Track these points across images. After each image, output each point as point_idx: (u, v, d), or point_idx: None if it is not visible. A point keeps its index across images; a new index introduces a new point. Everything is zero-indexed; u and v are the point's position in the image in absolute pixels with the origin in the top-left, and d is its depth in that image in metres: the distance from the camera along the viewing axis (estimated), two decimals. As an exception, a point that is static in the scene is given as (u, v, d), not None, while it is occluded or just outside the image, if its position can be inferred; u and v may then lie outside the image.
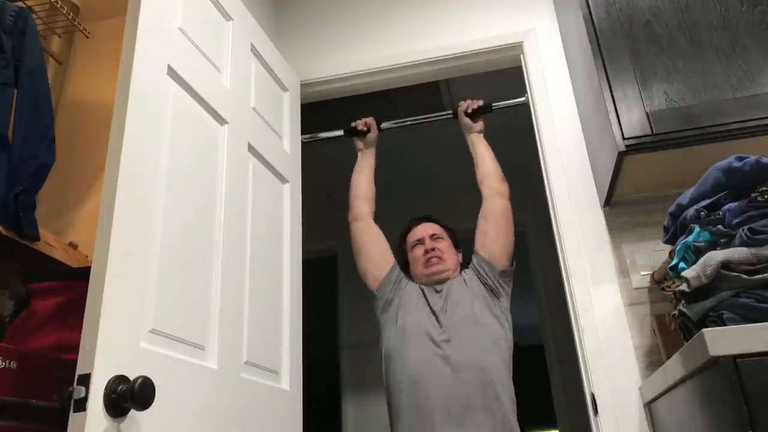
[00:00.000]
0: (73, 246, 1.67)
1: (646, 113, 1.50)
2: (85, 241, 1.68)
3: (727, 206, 1.17)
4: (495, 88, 2.37)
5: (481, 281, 1.84)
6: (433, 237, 1.96)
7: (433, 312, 1.78)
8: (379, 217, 2.05)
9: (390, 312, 1.85)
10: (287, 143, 1.96)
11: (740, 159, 1.18)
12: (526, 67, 2.15)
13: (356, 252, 1.97)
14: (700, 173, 1.27)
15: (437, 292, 1.85)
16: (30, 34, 1.61)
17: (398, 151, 3.16)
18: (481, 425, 1.61)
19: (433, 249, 1.91)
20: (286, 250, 1.80)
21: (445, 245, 1.95)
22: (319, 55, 2.34)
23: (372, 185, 2.07)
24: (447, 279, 1.88)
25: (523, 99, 2.15)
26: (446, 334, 1.73)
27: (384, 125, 2.20)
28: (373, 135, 2.16)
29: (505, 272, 1.86)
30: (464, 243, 2.03)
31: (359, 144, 2.17)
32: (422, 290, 1.86)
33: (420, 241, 1.96)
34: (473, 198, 1.98)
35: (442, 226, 2.03)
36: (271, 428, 1.50)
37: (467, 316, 1.76)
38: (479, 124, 2.09)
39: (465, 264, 1.96)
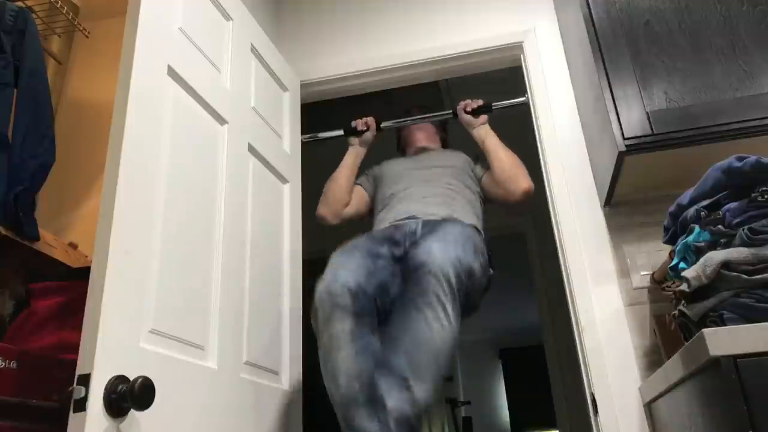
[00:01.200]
0: (73, 246, 1.67)
1: (647, 113, 1.50)
2: (85, 241, 1.68)
3: (727, 206, 1.17)
4: (495, 88, 2.37)
5: (467, 172, 2.02)
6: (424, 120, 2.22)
7: (418, 161, 2.05)
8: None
9: (377, 186, 2.08)
10: (287, 143, 1.96)
11: (740, 159, 1.18)
12: (526, 67, 2.15)
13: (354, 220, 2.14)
14: (700, 173, 1.27)
15: (421, 153, 2.12)
16: (30, 34, 1.61)
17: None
18: (454, 205, 1.84)
19: (421, 129, 2.21)
20: (286, 250, 1.80)
21: (434, 129, 2.26)
22: (319, 55, 2.34)
23: (351, 187, 2.13)
24: (428, 149, 2.15)
25: (523, 99, 2.15)
26: (426, 170, 1.98)
27: (384, 125, 2.20)
28: (370, 135, 2.17)
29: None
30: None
31: (354, 140, 2.17)
32: (406, 157, 2.13)
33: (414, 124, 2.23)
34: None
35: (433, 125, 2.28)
36: (271, 428, 1.50)
37: (451, 167, 2.00)
38: (482, 118, 2.08)
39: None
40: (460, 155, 2.10)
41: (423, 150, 2.17)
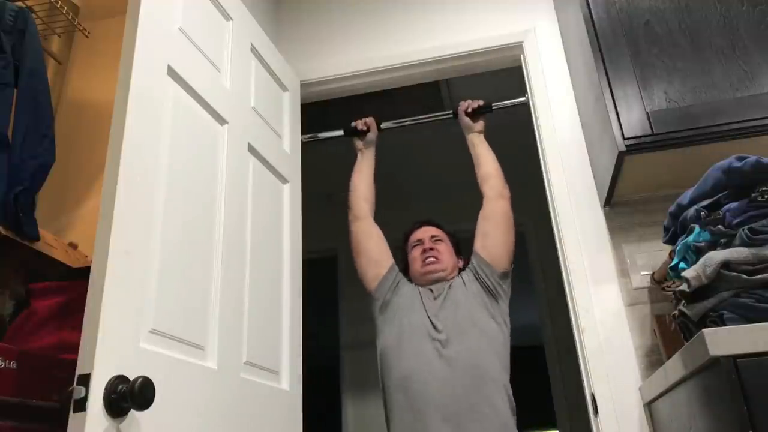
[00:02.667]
0: (73, 246, 1.67)
1: (647, 113, 1.50)
2: (85, 241, 1.68)
3: (727, 206, 1.17)
4: (495, 88, 2.37)
5: (479, 283, 1.81)
6: (432, 239, 1.96)
7: (429, 315, 1.77)
8: (379, 217, 2.05)
9: (388, 313, 1.84)
10: (287, 143, 1.96)
11: (740, 159, 1.18)
12: (526, 67, 2.15)
13: (356, 252, 1.97)
14: (700, 173, 1.27)
15: (433, 293, 1.83)
16: (30, 34, 1.61)
17: (398, 151, 3.17)
18: (475, 427, 1.59)
19: (431, 249, 1.92)
20: (286, 250, 1.80)
21: (444, 248, 1.95)
22: (319, 55, 2.34)
23: (372, 186, 2.07)
24: (443, 279, 1.87)
25: (523, 99, 2.15)
26: (443, 334, 1.72)
27: (384, 125, 2.20)
28: (373, 135, 2.17)
29: (505, 274, 1.85)
30: (464, 242, 2.03)
31: (359, 144, 2.17)
32: (419, 292, 1.85)
33: (420, 242, 1.97)
34: (473, 198, 1.98)
35: (443, 230, 2.03)
36: (271, 428, 1.50)
37: (465, 317, 1.74)
38: (479, 124, 2.08)
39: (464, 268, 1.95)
40: (468, 275, 1.85)
41: (436, 282, 1.88)
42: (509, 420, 1.65)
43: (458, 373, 1.65)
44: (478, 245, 1.88)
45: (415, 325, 1.76)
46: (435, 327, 1.74)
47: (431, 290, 1.85)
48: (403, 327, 1.77)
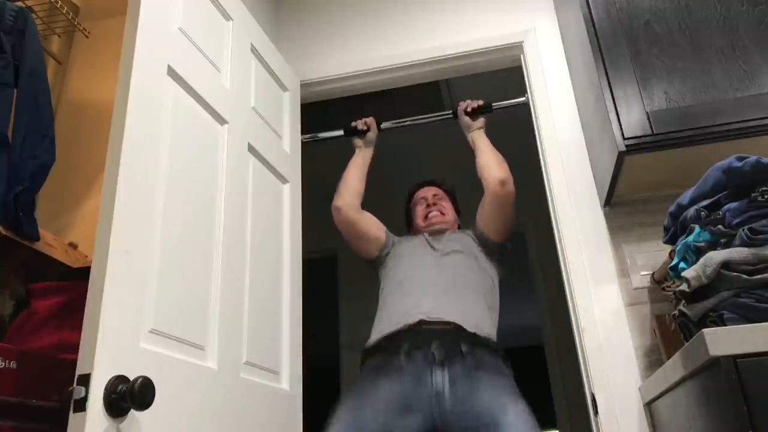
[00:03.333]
0: (73, 246, 1.67)
1: (647, 113, 1.50)
2: (85, 241, 1.68)
3: (727, 206, 1.17)
4: (495, 88, 2.37)
5: (476, 241, 1.92)
6: (435, 197, 2.07)
7: (432, 246, 1.90)
8: (379, 217, 2.05)
9: (389, 263, 1.93)
10: (287, 143, 1.96)
11: (740, 159, 1.18)
12: (526, 67, 2.15)
13: (354, 237, 2.00)
14: (700, 173, 1.27)
15: (433, 238, 1.95)
16: (30, 34, 1.61)
17: (398, 151, 3.17)
18: (455, 293, 1.72)
19: (434, 204, 2.04)
20: (286, 250, 1.80)
21: (446, 204, 2.08)
22: (319, 55, 2.34)
23: (363, 182, 2.09)
24: (444, 231, 1.97)
25: (523, 99, 2.15)
26: (441, 254, 1.86)
27: (384, 125, 2.20)
28: (372, 134, 2.17)
29: (502, 246, 1.92)
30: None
31: (358, 142, 2.17)
32: (420, 239, 1.96)
33: (424, 199, 2.07)
34: (473, 198, 1.98)
35: (445, 189, 2.15)
36: (270, 428, 1.50)
37: (461, 259, 1.85)
38: (479, 121, 2.08)
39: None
40: (466, 235, 1.95)
41: (436, 232, 1.97)
42: (486, 312, 1.73)
43: (445, 273, 1.78)
44: (478, 218, 1.94)
45: (412, 250, 1.91)
46: (435, 250, 1.88)
47: (431, 236, 1.96)
48: (400, 254, 1.91)
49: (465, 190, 2.11)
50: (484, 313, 1.71)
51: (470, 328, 1.61)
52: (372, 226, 2.00)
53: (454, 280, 1.76)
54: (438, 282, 1.76)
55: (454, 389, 1.48)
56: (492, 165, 1.92)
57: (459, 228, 2.05)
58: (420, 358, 1.54)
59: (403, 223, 2.15)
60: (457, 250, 1.86)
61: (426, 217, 2.02)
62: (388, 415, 1.45)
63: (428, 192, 2.10)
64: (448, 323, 1.61)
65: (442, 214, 2.02)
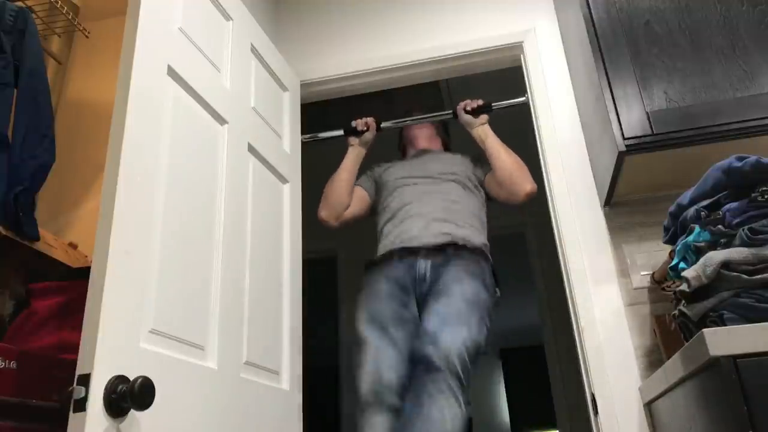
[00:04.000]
0: (73, 246, 1.67)
1: (646, 113, 1.50)
2: (85, 241, 1.68)
3: (727, 206, 1.17)
4: (495, 88, 2.37)
5: (475, 176, 2.05)
6: (423, 132, 2.23)
7: (423, 170, 2.04)
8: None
9: (382, 200, 2.07)
10: (287, 143, 1.96)
11: (740, 159, 1.18)
12: (526, 67, 2.15)
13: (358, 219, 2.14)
14: (700, 173, 1.27)
15: (424, 155, 2.14)
16: (30, 34, 1.61)
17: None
18: (456, 220, 1.88)
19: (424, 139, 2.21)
20: (286, 250, 1.80)
21: (437, 140, 2.25)
22: (319, 55, 2.34)
23: (351, 188, 2.13)
24: (429, 151, 2.16)
25: (523, 99, 2.15)
26: (432, 180, 2.00)
27: (384, 125, 2.20)
28: (370, 135, 2.17)
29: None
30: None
31: (353, 140, 2.17)
32: (407, 161, 2.14)
33: (415, 134, 2.23)
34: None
35: (435, 127, 2.29)
36: (271, 428, 1.50)
37: (452, 177, 2.00)
38: (482, 118, 2.08)
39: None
40: (461, 159, 2.10)
41: (424, 152, 2.17)
42: (477, 229, 1.91)
43: (440, 203, 1.93)
44: (488, 185, 2.04)
45: (398, 177, 2.05)
46: (425, 171, 2.03)
47: (422, 157, 2.13)
48: (396, 190, 2.03)
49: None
50: (474, 230, 1.90)
51: (460, 241, 1.84)
52: (358, 208, 2.11)
53: (448, 207, 1.91)
54: (431, 209, 1.91)
55: (432, 272, 1.81)
56: (518, 177, 1.94)
57: (446, 146, 2.27)
58: (410, 257, 1.85)
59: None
60: (448, 175, 1.99)
61: (414, 137, 2.21)
62: (394, 301, 1.79)
63: (421, 129, 2.25)
64: (439, 244, 1.84)
65: (429, 137, 2.21)
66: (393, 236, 1.91)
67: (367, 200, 2.13)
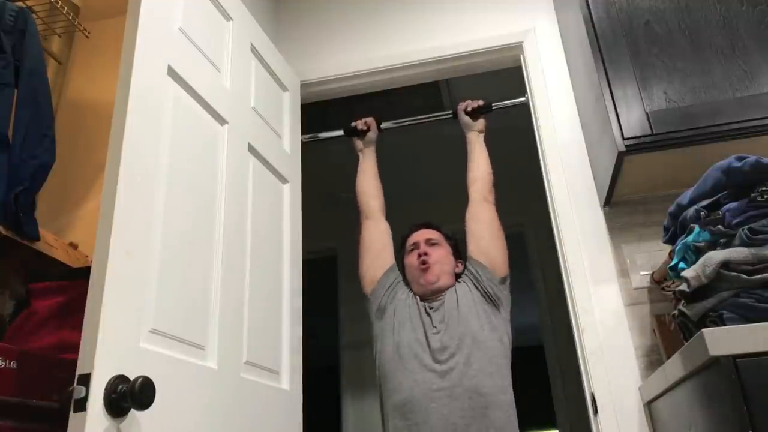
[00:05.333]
0: (73, 246, 1.67)
1: (646, 113, 1.50)
2: (85, 241, 1.68)
3: (727, 206, 1.17)
4: (495, 88, 2.37)
5: (479, 290, 1.76)
6: (429, 242, 1.90)
7: (427, 333, 1.71)
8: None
9: (384, 321, 1.80)
10: (287, 143, 1.96)
11: (740, 159, 1.18)
12: (526, 67, 2.15)
13: (363, 249, 1.93)
14: (700, 173, 1.27)
15: (431, 307, 1.78)
16: (30, 34, 1.61)
17: (398, 151, 3.16)
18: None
19: (426, 254, 1.85)
20: (286, 250, 1.80)
21: (441, 252, 1.89)
22: (319, 55, 2.34)
23: (378, 183, 2.05)
24: (440, 290, 1.80)
25: (523, 99, 2.15)
26: (443, 355, 1.66)
27: (384, 125, 2.20)
28: (372, 134, 2.17)
29: (504, 279, 1.80)
30: (462, 243, 2.02)
31: (359, 144, 2.16)
32: (417, 305, 1.79)
33: (416, 245, 1.90)
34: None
35: (442, 233, 1.97)
36: (271, 428, 1.50)
37: (465, 334, 1.68)
38: (480, 123, 2.08)
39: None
40: (466, 285, 1.80)
41: (432, 293, 1.82)
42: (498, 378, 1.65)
43: (459, 403, 1.59)
44: (473, 249, 1.83)
45: (411, 345, 1.70)
46: (431, 347, 1.68)
47: (429, 304, 1.79)
48: (401, 344, 1.72)
49: (463, 190, 2.10)
50: (495, 382, 1.64)
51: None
52: (380, 240, 1.92)
53: (473, 410, 1.60)
54: (456, 427, 1.58)
55: None
56: (487, 183, 1.93)
57: (459, 276, 1.87)
58: None
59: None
60: (461, 338, 1.68)
61: (419, 271, 1.83)
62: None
63: (421, 237, 1.92)
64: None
65: (431, 270, 1.81)
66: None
67: (388, 260, 1.90)
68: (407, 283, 1.90)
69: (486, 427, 1.58)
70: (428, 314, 1.76)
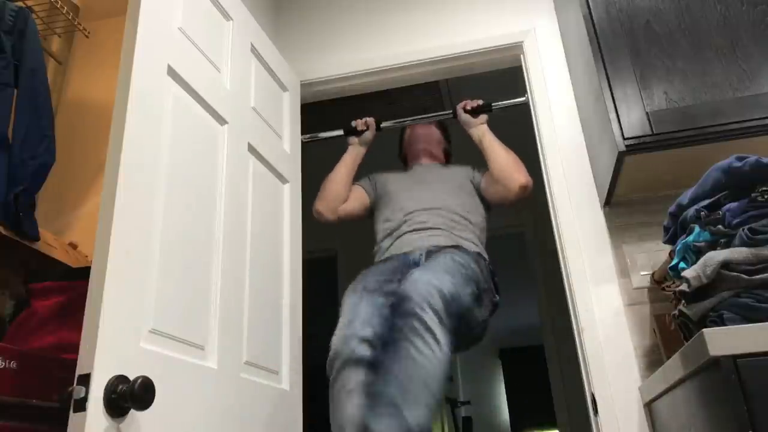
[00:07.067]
0: (73, 246, 1.67)
1: (646, 113, 1.50)
2: (85, 241, 1.68)
3: (727, 206, 1.17)
4: (495, 88, 2.37)
5: (473, 186, 2.05)
6: (428, 137, 2.24)
7: (415, 179, 2.07)
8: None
9: (381, 204, 2.07)
10: (287, 143, 1.96)
11: (740, 159, 1.18)
12: (526, 67, 2.15)
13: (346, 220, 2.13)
14: (700, 173, 1.27)
15: (421, 167, 2.15)
16: (30, 34, 1.61)
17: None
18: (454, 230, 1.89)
19: (427, 146, 2.22)
20: (286, 250, 1.80)
21: (438, 148, 2.25)
22: (319, 55, 2.34)
23: (349, 184, 2.13)
24: (431, 158, 2.18)
25: (523, 99, 2.15)
26: (426, 188, 2.01)
27: (384, 125, 2.20)
28: (370, 134, 2.18)
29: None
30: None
31: (353, 139, 2.18)
32: (408, 171, 2.16)
33: (417, 138, 2.24)
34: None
35: (441, 129, 2.30)
36: (271, 428, 1.50)
37: (452, 186, 2.03)
38: (481, 118, 2.09)
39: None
40: (462, 170, 2.11)
41: (425, 166, 2.17)
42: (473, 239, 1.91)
43: (441, 219, 1.92)
44: (485, 190, 2.05)
45: (398, 186, 2.06)
46: (416, 181, 2.06)
47: (422, 168, 2.16)
48: (387, 191, 2.07)
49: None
50: (470, 242, 1.88)
51: (455, 243, 1.85)
52: (356, 206, 2.10)
53: (448, 223, 1.90)
54: (431, 224, 1.89)
55: (425, 258, 1.80)
56: (511, 169, 1.94)
57: (447, 153, 2.28)
58: (406, 254, 1.86)
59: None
60: (447, 183, 2.01)
61: (416, 149, 2.20)
62: (381, 276, 1.74)
63: (424, 130, 2.25)
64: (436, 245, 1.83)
65: (431, 148, 2.20)
66: (393, 249, 1.91)
67: (366, 201, 2.12)
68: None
69: (455, 242, 1.87)
70: (420, 175, 2.10)
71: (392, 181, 2.10)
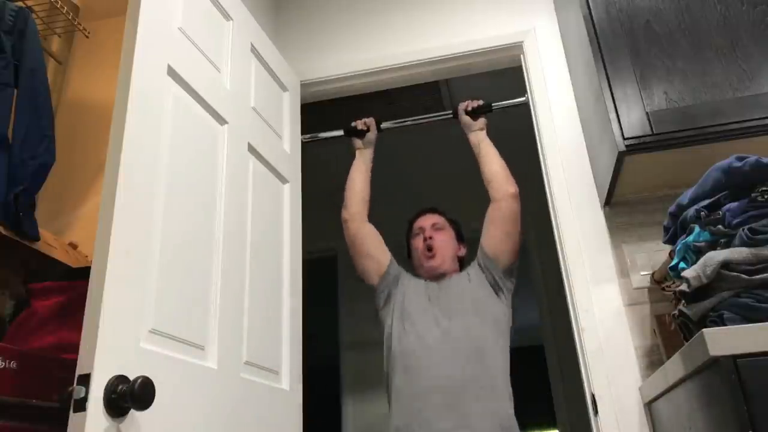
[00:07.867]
0: (73, 246, 1.67)
1: (646, 113, 1.50)
2: (85, 241, 1.68)
3: (727, 206, 1.17)
4: (495, 88, 2.37)
5: (485, 277, 1.87)
6: (434, 227, 1.99)
7: (431, 298, 1.85)
8: (379, 217, 2.05)
9: (390, 304, 1.90)
10: (287, 143, 1.96)
11: (740, 159, 1.18)
12: (526, 67, 2.15)
13: (357, 253, 1.99)
14: (700, 173, 1.27)
15: (438, 285, 1.90)
16: (30, 34, 1.61)
17: (398, 151, 3.17)
18: (477, 408, 1.64)
19: (431, 238, 1.95)
20: (286, 250, 1.80)
21: (445, 236, 1.99)
22: (319, 55, 2.34)
23: (368, 185, 2.08)
24: (445, 274, 1.92)
25: (523, 99, 2.14)
26: (444, 312, 1.80)
27: (384, 125, 2.20)
28: (372, 135, 2.17)
29: (508, 271, 1.88)
30: (469, 242, 2.05)
31: (358, 143, 2.17)
32: (424, 284, 1.91)
33: (421, 230, 2.00)
34: (473, 197, 1.98)
35: (446, 217, 2.07)
36: (271, 428, 1.50)
37: (468, 301, 1.82)
38: (480, 122, 2.08)
39: (471, 259, 1.98)
40: (472, 272, 1.90)
41: (441, 277, 1.92)
42: (507, 403, 1.71)
43: (457, 347, 1.72)
44: (483, 240, 1.92)
45: (418, 308, 1.83)
46: (439, 310, 1.81)
47: (437, 283, 1.91)
48: (405, 311, 1.84)
49: (464, 190, 2.11)
50: (497, 376, 1.72)
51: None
52: (377, 247, 1.96)
53: (467, 357, 1.70)
54: (454, 373, 1.68)
55: None
56: (503, 177, 1.92)
57: (462, 260, 2.00)
58: None
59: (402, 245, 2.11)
60: (463, 311, 1.78)
61: (424, 256, 1.93)
62: None
63: (427, 222, 2.01)
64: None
65: (435, 255, 1.92)
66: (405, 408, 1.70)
67: (385, 258, 1.95)
68: (412, 271, 2.00)
69: (483, 372, 1.70)
70: (434, 292, 1.87)
71: (409, 286, 1.90)
